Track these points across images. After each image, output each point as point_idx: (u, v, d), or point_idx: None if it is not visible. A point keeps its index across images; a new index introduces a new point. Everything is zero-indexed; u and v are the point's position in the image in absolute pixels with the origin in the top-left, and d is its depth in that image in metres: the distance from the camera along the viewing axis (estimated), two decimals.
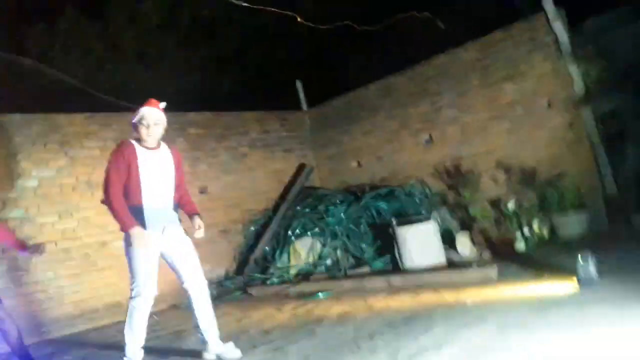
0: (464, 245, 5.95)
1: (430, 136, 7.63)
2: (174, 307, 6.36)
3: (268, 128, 8.82)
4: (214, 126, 8.18)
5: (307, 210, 7.50)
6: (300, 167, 8.83)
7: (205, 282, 3.88)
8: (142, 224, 3.56)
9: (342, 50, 10.17)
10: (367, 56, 9.80)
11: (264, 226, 7.77)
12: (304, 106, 9.39)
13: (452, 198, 7.07)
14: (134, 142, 3.70)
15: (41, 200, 6.25)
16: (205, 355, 3.89)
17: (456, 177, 7.14)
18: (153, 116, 3.70)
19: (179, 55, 11.34)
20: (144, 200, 3.60)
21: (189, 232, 3.89)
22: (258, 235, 7.71)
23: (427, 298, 4.67)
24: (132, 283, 3.60)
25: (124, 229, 3.55)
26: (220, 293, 6.72)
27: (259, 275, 7.02)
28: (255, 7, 7.09)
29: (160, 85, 10.74)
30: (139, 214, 3.56)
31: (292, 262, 6.89)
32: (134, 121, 3.71)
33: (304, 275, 6.64)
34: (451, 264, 5.66)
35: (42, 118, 6.52)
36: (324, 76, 9.78)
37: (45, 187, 6.31)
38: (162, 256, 3.75)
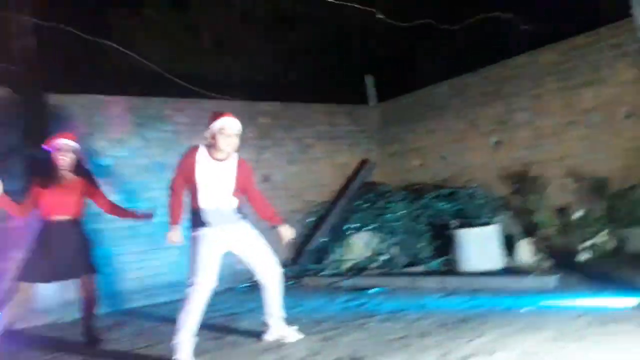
0: (525, 252, 5.78)
1: (499, 139, 7.45)
2: (230, 290, 6.54)
3: (335, 121, 8.88)
4: (283, 117, 8.32)
5: (366, 205, 7.50)
6: (363, 162, 8.84)
7: (280, 269, 4.03)
8: (203, 223, 3.75)
9: (416, 48, 10.07)
10: (442, 54, 9.65)
11: (322, 218, 7.84)
12: (373, 101, 9.37)
13: (516, 203, 6.89)
14: (202, 148, 3.83)
15: (114, 178, 6.58)
16: (266, 337, 4.06)
17: (523, 182, 6.95)
18: (235, 127, 3.80)
19: (254, 45, 11.58)
20: (201, 204, 3.78)
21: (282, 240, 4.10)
22: (315, 227, 7.79)
23: (482, 302, 4.59)
24: (189, 272, 3.72)
25: (170, 223, 3.82)
26: None
27: (312, 266, 7.10)
28: (336, 1, 7.11)
29: (234, 74, 11.05)
30: (199, 215, 3.77)
31: (347, 255, 6.92)
32: (213, 129, 3.77)
33: (358, 270, 6.66)
34: (509, 270, 5.53)
35: (122, 100, 6.86)
36: (395, 72, 9.71)
37: (119, 167, 6.64)
38: (234, 254, 3.91)
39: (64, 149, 4.41)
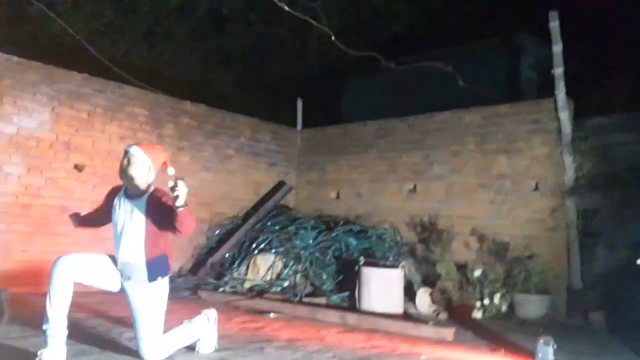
0: (423, 300, 5.91)
1: (415, 186, 7.67)
2: None
3: (259, 137, 8.74)
4: (207, 121, 8.06)
5: (276, 227, 7.40)
6: (280, 184, 8.75)
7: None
8: None
9: (352, 81, 10.23)
10: (375, 94, 9.87)
11: (230, 233, 7.62)
12: (299, 125, 9.35)
13: (421, 251, 7.08)
14: None
15: (14, 149, 6.04)
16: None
17: (430, 232, 7.17)
18: (127, 155, 3.37)
19: (187, 42, 11.25)
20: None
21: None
22: (221, 241, 7.55)
23: (381, 343, 4.60)
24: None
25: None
26: (170, 289, 6.50)
27: (212, 280, 6.84)
28: (284, 7, 6.99)
29: (162, 67, 10.66)
30: None
31: (249, 275, 6.74)
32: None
33: (258, 292, 6.50)
34: (408, 316, 5.62)
35: (39, 67, 6.34)
36: (326, 101, 9.80)
37: (22, 138, 6.10)
38: None
39: None
